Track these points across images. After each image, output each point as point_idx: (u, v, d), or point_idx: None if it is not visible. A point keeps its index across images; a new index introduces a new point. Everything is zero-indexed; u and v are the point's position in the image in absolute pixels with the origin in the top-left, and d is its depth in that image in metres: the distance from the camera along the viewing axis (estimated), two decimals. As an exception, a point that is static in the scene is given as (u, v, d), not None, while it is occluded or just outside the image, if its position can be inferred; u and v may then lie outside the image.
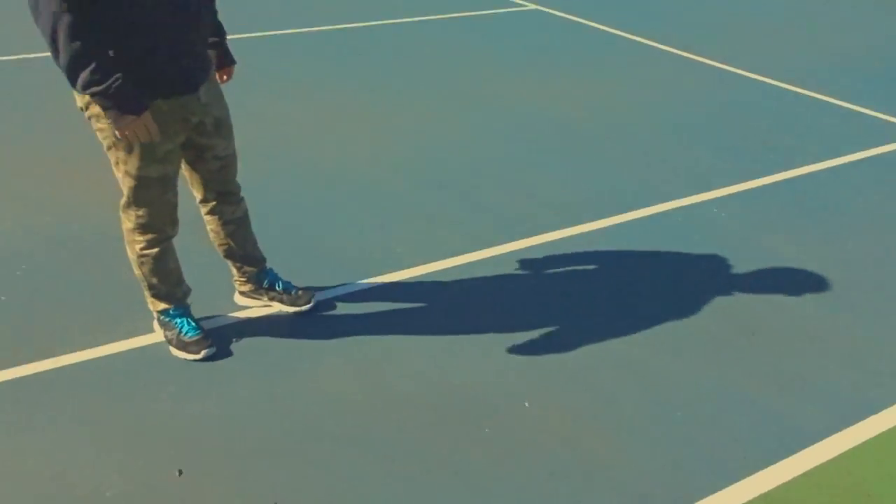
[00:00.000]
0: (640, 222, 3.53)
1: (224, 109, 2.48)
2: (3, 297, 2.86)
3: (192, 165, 2.50)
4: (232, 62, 2.62)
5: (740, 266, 3.19)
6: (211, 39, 2.47)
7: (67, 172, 3.89)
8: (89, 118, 2.24)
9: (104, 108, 2.10)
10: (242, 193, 2.68)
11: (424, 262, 3.15)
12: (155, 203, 2.38)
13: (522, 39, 6.66)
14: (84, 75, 2.02)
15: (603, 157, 4.22)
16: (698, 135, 4.57)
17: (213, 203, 2.62)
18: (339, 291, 2.95)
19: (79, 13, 1.98)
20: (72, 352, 2.57)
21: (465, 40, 6.58)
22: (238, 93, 2.71)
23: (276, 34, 6.66)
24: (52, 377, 2.47)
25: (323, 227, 3.43)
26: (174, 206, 2.45)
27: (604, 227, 3.48)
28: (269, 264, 2.84)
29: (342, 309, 2.85)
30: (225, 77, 2.62)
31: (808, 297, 3.01)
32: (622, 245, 3.33)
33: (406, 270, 3.10)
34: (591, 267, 3.16)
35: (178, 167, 2.43)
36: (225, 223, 2.66)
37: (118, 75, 2.05)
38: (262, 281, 2.80)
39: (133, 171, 2.29)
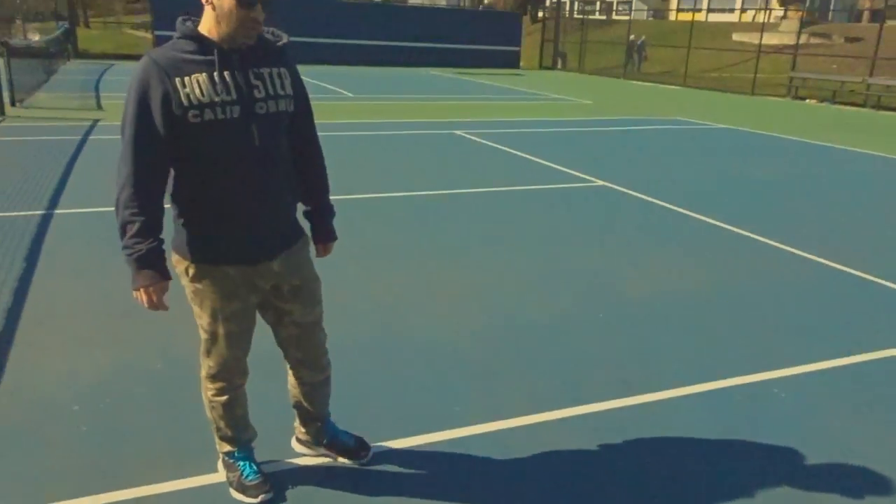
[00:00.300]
0: (699, 398, 3.51)
1: (306, 277, 2.53)
2: (84, 428, 3.06)
3: (273, 326, 2.60)
4: (332, 239, 2.67)
5: (803, 452, 3.11)
6: (313, 215, 2.62)
7: (156, 314, 4.21)
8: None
9: (129, 265, 2.27)
10: (329, 357, 2.73)
11: (483, 422, 3.21)
12: (224, 356, 2.49)
13: (591, 212, 6.98)
14: (126, 239, 2.23)
15: (664, 331, 4.28)
16: (762, 314, 4.58)
17: (292, 364, 2.71)
18: (396, 446, 3.02)
19: (144, 184, 2.19)
20: (137, 486, 2.69)
21: (538, 209, 6.95)
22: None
23: (364, 197, 7.19)
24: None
25: (386, 381, 3.56)
26: (242, 358, 2.55)
27: (662, 399, 3.48)
28: (331, 407, 2.89)
29: (397, 466, 2.90)
30: (321, 251, 2.68)
31: (879, 493, 2.88)
32: (679, 421, 3.30)
33: (463, 428, 3.16)
34: (643, 442, 3.14)
35: (250, 325, 2.51)
36: (302, 384, 2.74)
37: (146, 247, 2.22)
38: (322, 437, 2.87)
39: (204, 325, 2.45)
